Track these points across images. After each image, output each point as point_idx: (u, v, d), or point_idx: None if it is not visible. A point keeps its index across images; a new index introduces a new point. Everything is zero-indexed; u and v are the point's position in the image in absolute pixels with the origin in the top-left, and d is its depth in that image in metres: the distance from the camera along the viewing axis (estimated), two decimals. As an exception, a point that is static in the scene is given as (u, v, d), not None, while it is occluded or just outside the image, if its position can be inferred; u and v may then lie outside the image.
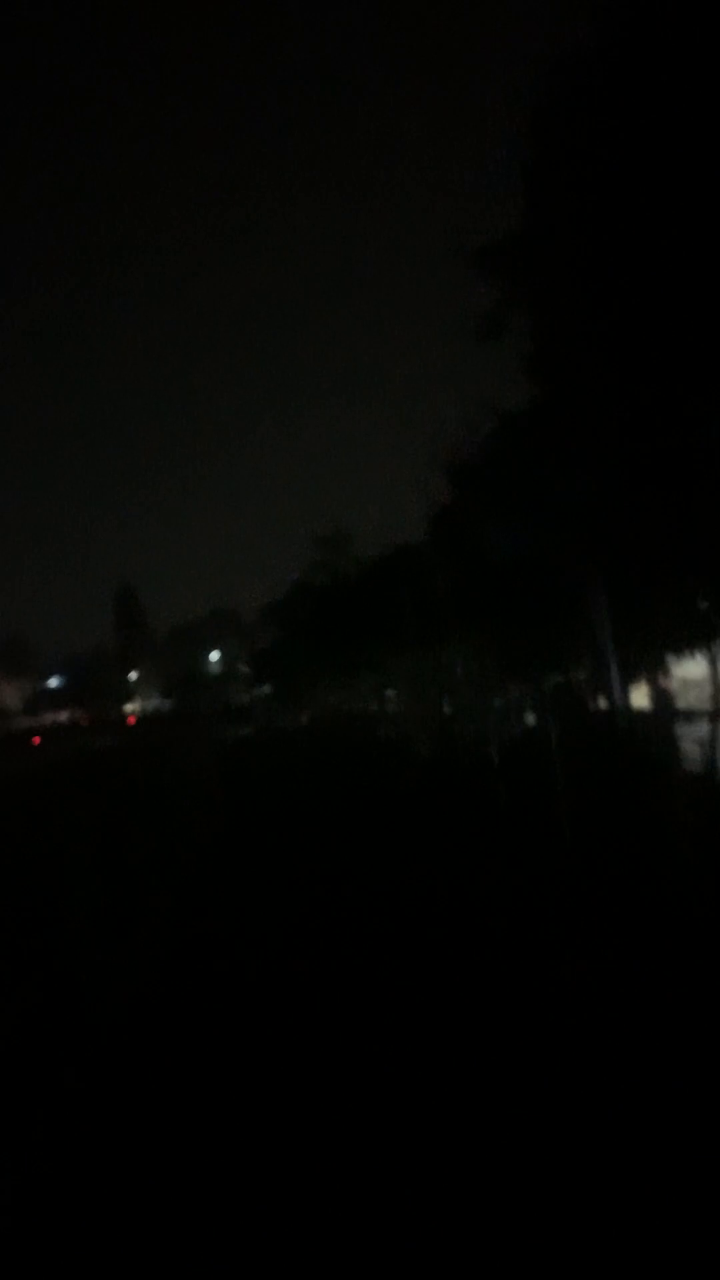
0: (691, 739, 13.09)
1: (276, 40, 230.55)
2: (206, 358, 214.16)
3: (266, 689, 59.69)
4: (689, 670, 14.54)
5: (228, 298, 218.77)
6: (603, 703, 15.58)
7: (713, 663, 12.83)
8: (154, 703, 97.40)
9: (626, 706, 14.08)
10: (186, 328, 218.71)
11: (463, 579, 16.56)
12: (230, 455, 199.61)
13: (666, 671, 13.91)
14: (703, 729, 13.08)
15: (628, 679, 13.95)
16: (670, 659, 13.72)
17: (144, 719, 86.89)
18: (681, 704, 15.04)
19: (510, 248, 10.44)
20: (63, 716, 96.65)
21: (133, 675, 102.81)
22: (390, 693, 37.33)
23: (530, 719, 21.70)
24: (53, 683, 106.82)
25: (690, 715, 14.48)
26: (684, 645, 12.83)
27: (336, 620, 31.19)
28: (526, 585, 13.55)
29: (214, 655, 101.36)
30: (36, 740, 67.06)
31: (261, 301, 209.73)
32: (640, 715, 14.72)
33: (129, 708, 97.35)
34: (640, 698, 15.17)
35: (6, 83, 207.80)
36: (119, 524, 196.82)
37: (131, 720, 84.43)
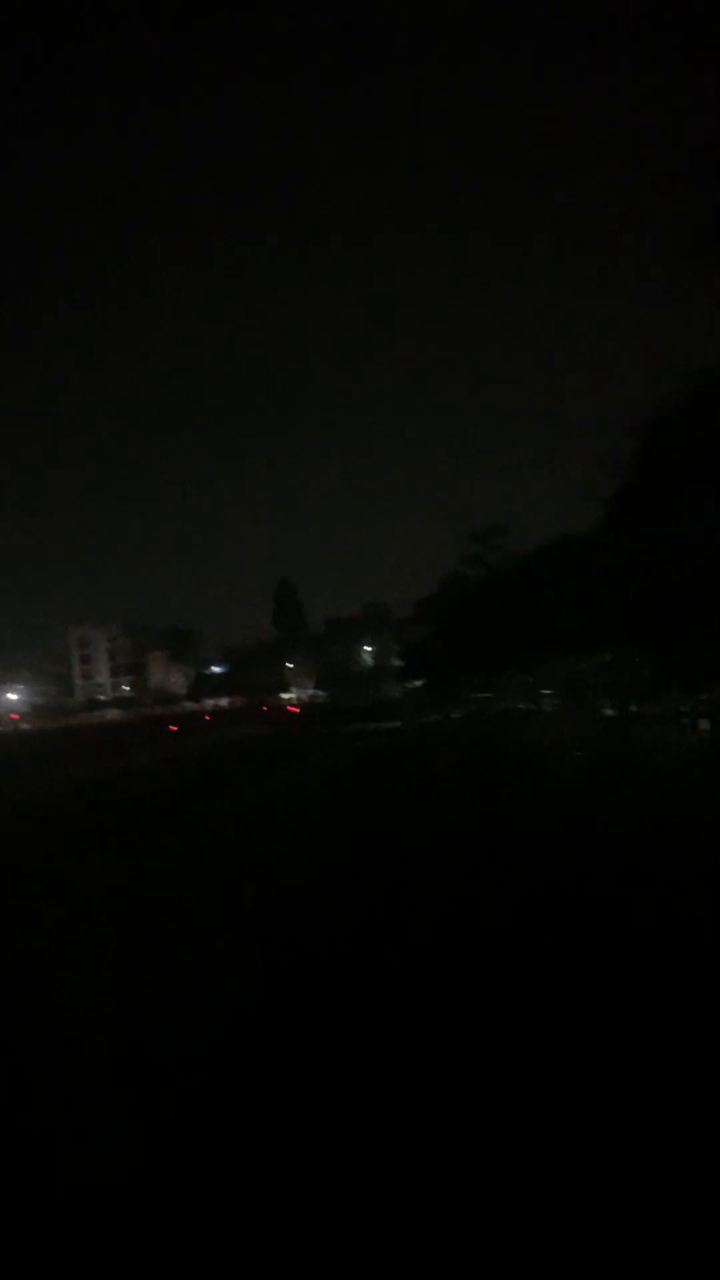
0: None
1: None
2: (364, 354, 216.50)
3: (417, 684, 59.04)
4: None
5: (385, 293, 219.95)
6: None
7: None
8: (308, 692, 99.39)
9: None
10: (343, 326, 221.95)
11: (642, 567, 14.92)
12: (390, 452, 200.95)
13: None
14: None
15: None
16: None
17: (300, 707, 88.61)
18: None
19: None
20: (223, 702, 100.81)
21: (289, 665, 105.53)
22: (547, 693, 35.71)
23: (705, 725, 19.72)
24: (215, 670, 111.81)
25: None
26: None
27: (490, 615, 30.05)
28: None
29: (366, 649, 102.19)
30: (172, 729, 69.46)
31: (421, 297, 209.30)
32: None
33: (285, 696, 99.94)
34: None
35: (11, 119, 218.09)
36: (281, 521, 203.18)
37: (294, 709, 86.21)
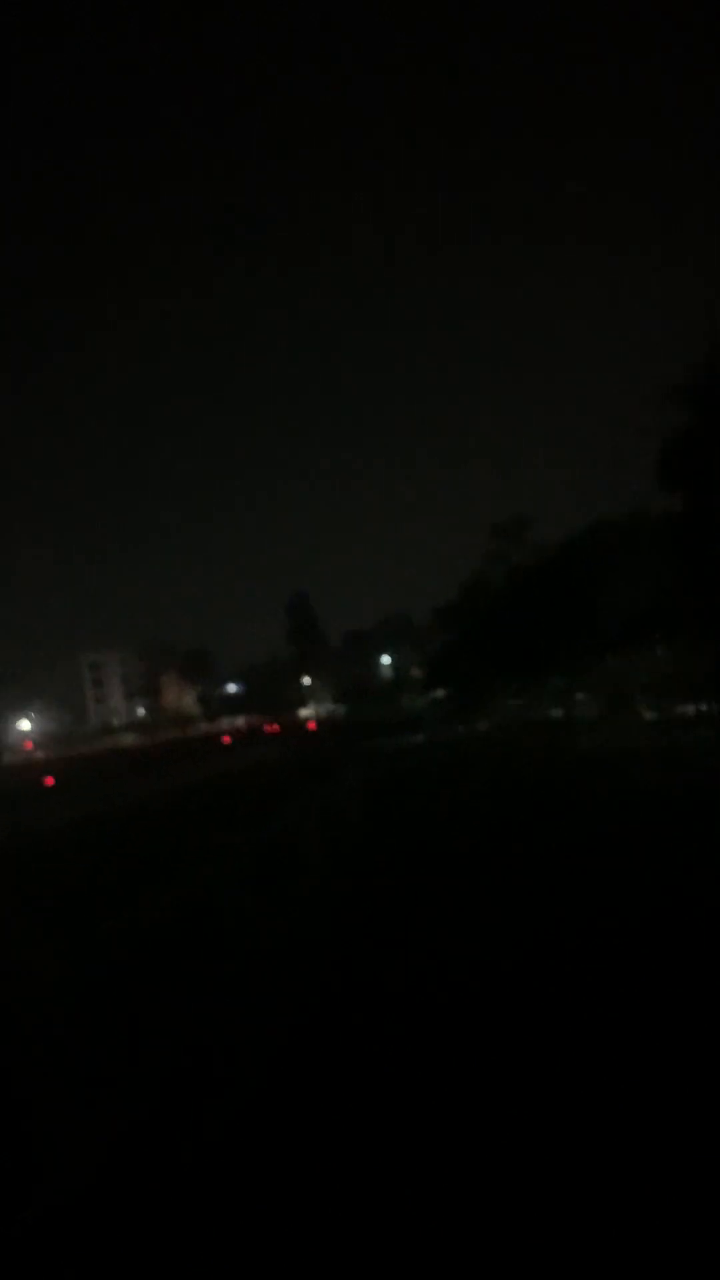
0: None
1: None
2: (370, 364, 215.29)
3: (440, 694, 56.45)
4: None
5: (405, 301, 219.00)
6: None
7: None
8: (326, 708, 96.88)
9: None
10: (355, 332, 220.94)
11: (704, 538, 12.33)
12: (402, 460, 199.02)
13: None
14: None
15: None
16: None
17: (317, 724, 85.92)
18: None
19: None
20: (239, 722, 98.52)
21: (306, 681, 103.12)
22: (581, 697, 32.93)
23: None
24: (230, 689, 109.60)
25: None
26: None
27: (521, 613, 27.44)
28: None
29: (385, 660, 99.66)
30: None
31: (431, 302, 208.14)
32: None
33: (303, 713, 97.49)
34: None
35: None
36: (294, 533, 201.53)
37: (312, 725, 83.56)
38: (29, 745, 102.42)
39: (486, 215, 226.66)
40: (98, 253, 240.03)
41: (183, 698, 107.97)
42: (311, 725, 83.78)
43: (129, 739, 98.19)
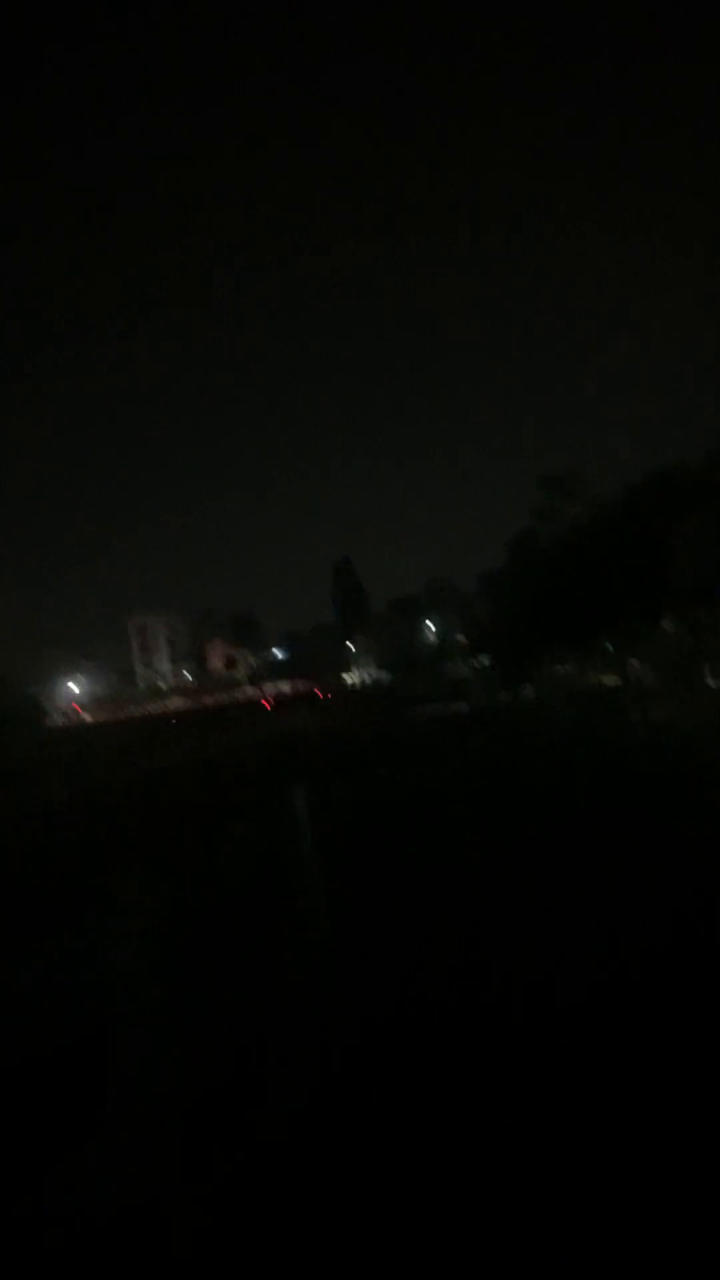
0: None
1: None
2: (408, 333, 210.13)
3: (485, 660, 54.74)
4: None
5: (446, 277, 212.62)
6: None
7: None
8: (371, 674, 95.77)
9: None
10: (399, 303, 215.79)
11: None
12: (445, 421, 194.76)
13: None
14: None
15: None
16: None
17: (343, 693, 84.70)
18: None
19: None
20: (285, 687, 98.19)
21: (351, 647, 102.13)
22: (635, 662, 30.96)
23: None
24: (277, 655, 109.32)
25: None
26: None
27: (571, 575, 25.56)
28: None
29: (430, 626, 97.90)
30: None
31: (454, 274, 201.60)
32: None
33: (348, 679, 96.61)
34: None
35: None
36: (339, 500, 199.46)
37: (350, 694, 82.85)
38: (77, 708, 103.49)
39: (520, 170, 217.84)
40: (140, 246, 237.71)
41: (230, 662, 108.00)
42: (349, 694, 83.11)
43: (177, 702, 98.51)
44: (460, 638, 75.66)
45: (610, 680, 32.73)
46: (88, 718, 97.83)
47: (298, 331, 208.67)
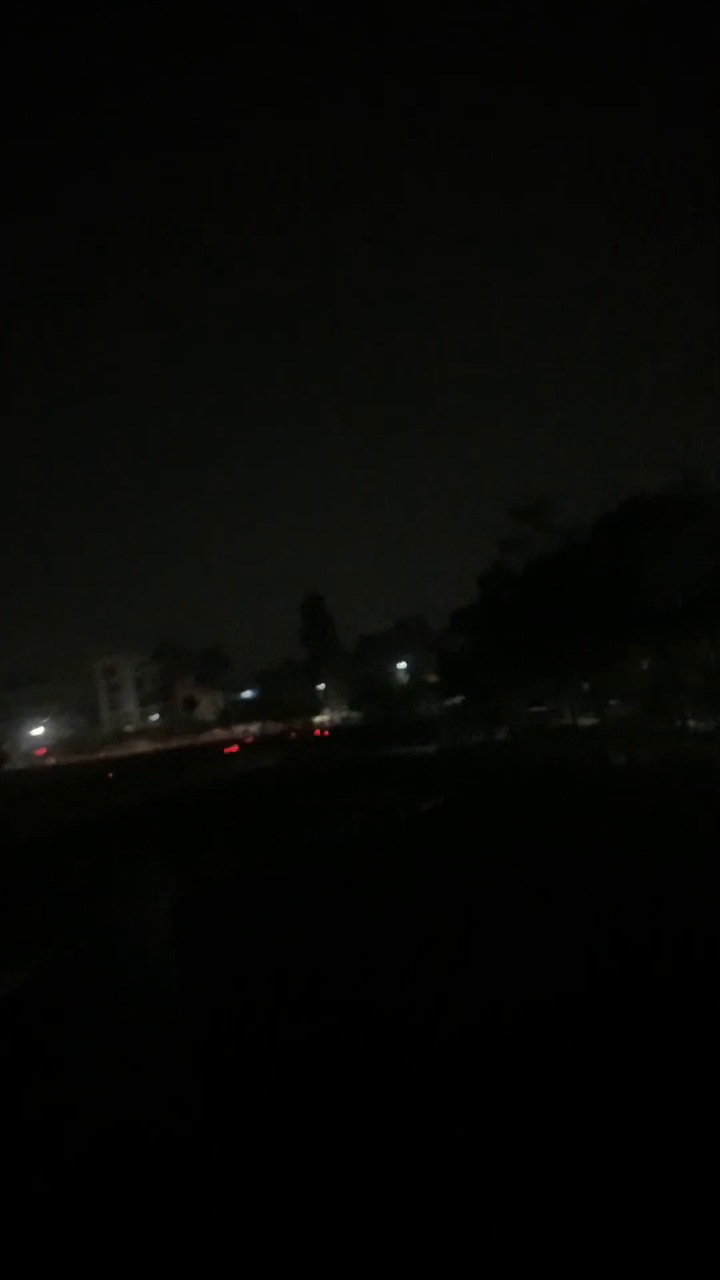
0: None
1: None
2: (373, 369, 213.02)
3: (456, 700, 53.56)
4: None
5: (410, 299, 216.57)
6: None
7: None
8: (341, 714, 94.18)
9: None
10: (361, 336, 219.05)
11: None
12: (413, 460, 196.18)
13: None
14: None
15: None
16: None
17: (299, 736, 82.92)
18: None
19: None
20: (253, 728, 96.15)
21: (320, 686, 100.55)
22: (615, 702, 29.80)
23: None
24: (245, 695, 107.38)
25: None
26: None
27: (542, 607, 24.48)
28: None
29: (400, 665, 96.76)
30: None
31: (416, 303, 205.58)
32: None
33: (317, 719, 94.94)
34: None
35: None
36: (308, 536, 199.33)
37: (320, 734, 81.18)
38: (41, 751, 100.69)
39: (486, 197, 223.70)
40: (91, 253, 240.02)
41: (190, 704, 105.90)
42: (319, 732, 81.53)
43: (142, 745, 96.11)
44: (432, 677, 74.58)
45: (586, 721, 31.56)
46: (52, 760, 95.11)
47: (270, 368, 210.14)
